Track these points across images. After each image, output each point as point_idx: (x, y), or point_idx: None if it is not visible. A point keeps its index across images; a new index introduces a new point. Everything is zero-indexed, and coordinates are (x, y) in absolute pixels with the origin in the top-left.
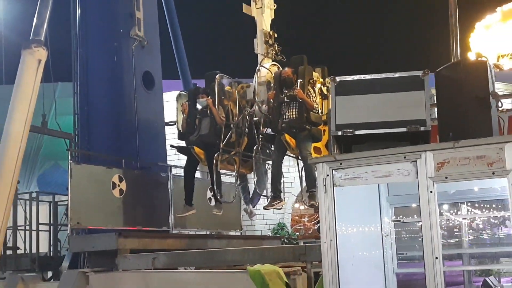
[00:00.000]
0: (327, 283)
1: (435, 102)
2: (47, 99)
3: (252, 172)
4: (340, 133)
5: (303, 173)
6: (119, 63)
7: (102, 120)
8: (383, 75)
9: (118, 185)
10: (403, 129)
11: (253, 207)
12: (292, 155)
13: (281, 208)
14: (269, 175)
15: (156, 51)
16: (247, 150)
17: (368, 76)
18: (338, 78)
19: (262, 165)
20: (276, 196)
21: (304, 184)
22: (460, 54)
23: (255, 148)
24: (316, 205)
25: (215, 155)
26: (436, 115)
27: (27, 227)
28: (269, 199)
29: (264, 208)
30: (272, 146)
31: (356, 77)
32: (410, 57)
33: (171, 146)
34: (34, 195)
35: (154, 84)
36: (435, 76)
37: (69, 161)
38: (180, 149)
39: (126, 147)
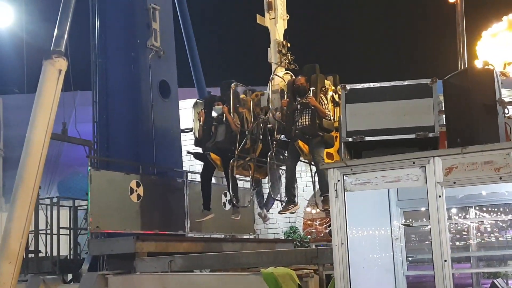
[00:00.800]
0: (339, 285)
1: (443, 109)
2: (68, 107)
3: (267, 177)
4: (350, 139)
5: (316, 178)
6: (136, 72)
7: (120, 127)
8: (392, 83)
9: (136, 190)
10: (412, 135)
11: (267, 211)
12: (305, 160)
13: (294, 213)
14: (283, 180)
15: (172, 60)
16: (261, 156)
17: (377, 84)
18: (348, 86)
19: (276, 171)
20: (291, 200)
21: (317, 188)
22: (467, 62)
23: (269, 154)
24: (329, 209)
25: (231, 161)
26: (444, 122)
27: (48, 231)
28: (283, 204)
29: (280, 212)
30: (286, 152)
31: (366, 85)
32: (419, 65)
33: (188, 152)
34: (55, 200)
35: (170, 92)
36: (443, 84)
37: (89, 167)
38: (196, 156)
39: (143, 153)
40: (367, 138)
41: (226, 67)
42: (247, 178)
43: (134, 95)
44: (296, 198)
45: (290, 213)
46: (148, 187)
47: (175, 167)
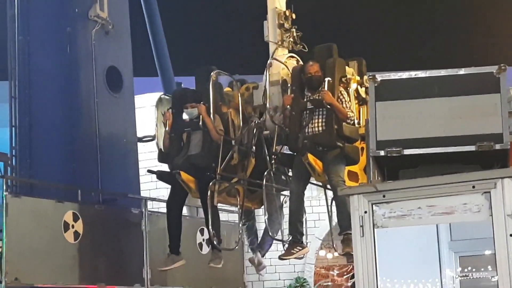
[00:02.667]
0: None
1: None
2: None
3: (262, 207)
4: (382, 152)
5: (334, 208)
6: (73, 55)
7: (50, 135)
8: (442, 72)
9: (73, 226)
10: (471, 148)
11: (262, 256)
12: (317, 183)
13: (302, 258)
14: (286, 211)
15: (125, 39)
16: (254, 177)
17: (421, 74)
18: (379, 76)
19: (276, 198)
20: (296, 240)
21: (335, 223)
22: None
23: (266, 173)
24: (352, 253)
25: (211, 183)
26: None
27: None
28: (285, 246)
29: (280, 258)
30: (290, 170)
31: (405, 75)
32: (478, 48)
33: (148, 171)
34: None
35: (123, 84)
36: None
37: (4, 193)
38: (160, 176)
39: (83, 172)
40: (407, 151)
41: (204, 48)
42: (234, 208)
43: (70, 88)
44: (304, 237)
45: (295, 258)
46: (90, 221)
47: (129, 191)
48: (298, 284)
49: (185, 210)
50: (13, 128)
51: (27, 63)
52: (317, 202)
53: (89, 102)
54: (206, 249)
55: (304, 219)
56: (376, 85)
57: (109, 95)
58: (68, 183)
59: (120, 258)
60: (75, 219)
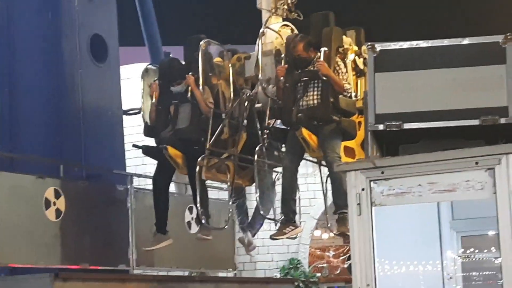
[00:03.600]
0: None
1: None
2: None
3: (253, 185)
4: (381, 127)
5: (329, 186)
6: (55, 22)
7: (31, 107)
8: (445, 42)
9: (54, 203)
10: (475, 122)
11: (253, 235)
12: (312, 158)
13: (295, 238)
14: (278, 188)
15: (111, 5)
16: (245, 152)
17: (423, 44)
18: (378, 46)
19: (268, 174)
20: (289, 219)
21: (330, 202)
22: None
23: (257, 148)
24: (348, 233)
25: (199, 159)
26: None
27: None
28: (278, 225)
29: (272, 237)
30: (283, 145)
31: (406, 45)
32: (483, 16)
33: (134, 146)
34: None
35: (108, 53)
36: None
37: None
38: (147, 151)
39: (65, 146)
40: (406, 126)
41: (193, 16)
42: (224, 185)
43: (51, 58)
44: (297, 217)
45: (288, 238)
46: (73, 198)
47: (114, 167)
48: (292, 266)
49: (172, 187)
50: None
51: (6, 30)
52: (312, 179)
53: (72, 73)
54: (195, 228)
55: (297, 197)
56: (375, 55)
57: (94, 65)
58: (49, 157)
59: (104, 237)
60: (57, 195)
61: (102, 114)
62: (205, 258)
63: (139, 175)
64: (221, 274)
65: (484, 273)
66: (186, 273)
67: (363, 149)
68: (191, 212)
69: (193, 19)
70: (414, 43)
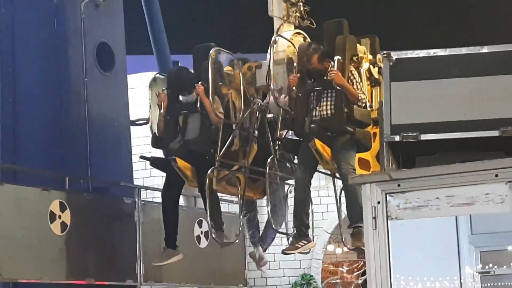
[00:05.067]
0: None
1: None
2: None
3: (265, 197)
4: (397, 138)
5: (343, 199)
6: (61, 30)
7: (36, 117)
8: (463, 50)
9: (59, 217)
10: (495, 133)
11: (264, 250)
12: (325, 171)
13: (308, 252)
14: (290, 201)
15: (117, 13)
16: (257, 164)
17: (440, 52)
18: (394, 55)
19: (280, 187)
20: (302, 234)
21: (344, 215)
22: None
23: (269, 160)
24: (363, 248)
25: (209, 171)
26: None
27: None
28: (290, 239)
29: (284, 252)
30: (296, 157)
31: (422, 53)
32: (503, 24)
33: (141, 157)
34: None
35: (115, 62)
36: None
37: None
38: (154, 162)
39: (71, 158)
40: (423, 137)
41: (203, 24)
42: (235, 199)
43: (57, 67)
44: (310, 231)
45: (301, 253)
46: (79, 211)
47: (121, 179)
48: (304, 281)
49: (181, 200)
50: None
51: (10, 39)
52: (325, 192)
53: (78, 82)
54: (204, 243)
55: (310, 211)
56: (391, 64)
57: (100, 74)
58: (55, 169)
59: (111, 251)
60: (62, 209)
61: (108, 124)
62: (215, 273)
63: (147, 188)
64: None
65: None
66: None
67: (378, 161)
68: (200, 226)
69: (203, 26)
70: (431, 52)
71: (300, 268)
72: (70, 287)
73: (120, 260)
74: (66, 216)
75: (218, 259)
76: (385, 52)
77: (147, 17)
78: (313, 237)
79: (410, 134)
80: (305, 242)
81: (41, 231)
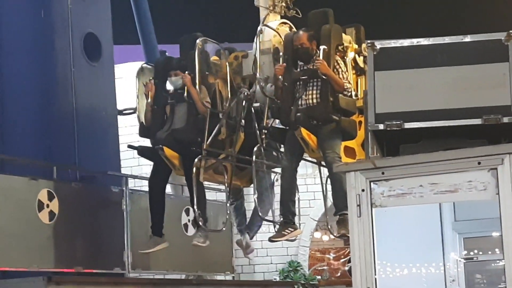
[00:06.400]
0: None
1: None
2: None
3: (252, 186)
4: (382, 126)
5: (329, 187)
6: (48, 20)
7: (23, 107)
8: (446, 39)
9: (47, 205)
10: (477, 121)
11: (251, 238)
12: (311, 159)
13: (294, 240)
14: (277, 189)
15: (104, 4)
16: (243, 153)
17: (424, 41)
18: (378, 44)
19: (267, 175)
20: (288, 221)
21: (330, 203)
22: None
23: (255, 149)
24: (349, 235)
25: (196, 159)
26: None
27: None
28: (277, 226)
29: (271, 240)
30: (282, 146)
31: (406, 42)
32: (487, 14)
33: (129, 146)
34: None
35: (101, 52)
36: None
37: None
38: (142, 151)
39: (58, 148)
40: (407, 125)
41: (189, 14)
42: (222, 187)
43: (44, 57)
44: (296, 218)
45: (288, 240)
46: (67, 200)
47: (108, 168)
48: (291, 268)
49: (169, 189)
50: None
51: None
52: (312, 180)
53: (65, 72)
54: (191, 231)
55: (296, 198)
56: (375, 53)
57: (87, 64)
58: (42, 159)
59: (99, 240)
60: (50, 198)
61: (96, 114)
62: (202, 261)
63: (135, 177)
64: (219, 278)
65: (488, 275)
66: (183, 277)
67: (363, 149)
68: (187, 214)
69: (190, 16)
70: (414, 41)
71: (287, 255)
72: (58, 276)
73: (108, 249)
74: (54, 205)
75: (205, 247)
76: (369, 41)
77: (134, 7)
78: (300, 225)
79: (394, 122)
80: (292, 230)
81: (29, 220)
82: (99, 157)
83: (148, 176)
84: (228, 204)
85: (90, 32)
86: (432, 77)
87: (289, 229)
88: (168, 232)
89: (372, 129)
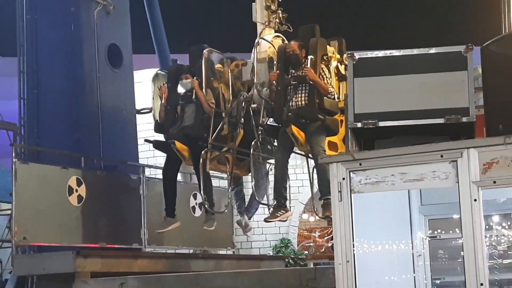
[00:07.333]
0: None
1: (481, 85)
2: None
3: (250, 174)
4: (359, 124)
5: (315, 176)
6: (77, 33)
7: (56, 106)
8: (414, 51)
9: (76, 190)
10: (440, 120)
11: (249, 218)
12: (300, 152)
13: (286, 220)
14: (271, 177)
15: (125, 18)
16: (243, 146)
17: (396, 52)
18: (357, 55)
19: (262, 165)
20: (281, 205)
21: (316, 189)
22: None
23: (253, 143)
24: (331, 216)
25: (203, 152)
26: (483, 102)
27: None
28: (271, 209)
29: (265, 220)
30: (275, 141)
31: (381, 54)
32: (449, 30)
33: (146, 140)
34: None
35: (122, 60)
36: (481, 53)
37: (14, 159)
38: (157, 145)
39: (86, 141)
40: (382, 123)
41: (197, 28)
42: (224, 175)
43: (73, 64)
44: (288, 202)
45: (280, 221)
46: (93, 186)
47: (128, 159)
48: (283, 245)
49: (179, 177)
50: (22, 100)
51: (34, 40)
52: (300, 170)
53: (91, 77)
54: (198, 212)
55: (288, 185)
56: (354, 62)
57: (110, 70)
58: (72, 151)
59: (119, 219)
60: (79, 184)
61: (117, 113)
62: (207, 238)
63: (150, 166)
64: (221, 252)
65: (449, 251)
66: (191, 251)
67: (344, 143)
68: (195, 198)
69: (198, 30)
70: (388, 52)
71: (280, 233)
72: (85, 250)
73: (128, 227)
74: (82, 190)
75: None
76: (349, 52)
77: (150, 22)
78: (290, 208)
79: (370, 121)
80: (284, 212)
81: (61, 202)
82: (120, 149)
83: (162, 166)
84: (229, 190)
85: (113, 43)
86: (402, 83)
87: (281, 211)
88: (178, 214)
89: (351, 127)
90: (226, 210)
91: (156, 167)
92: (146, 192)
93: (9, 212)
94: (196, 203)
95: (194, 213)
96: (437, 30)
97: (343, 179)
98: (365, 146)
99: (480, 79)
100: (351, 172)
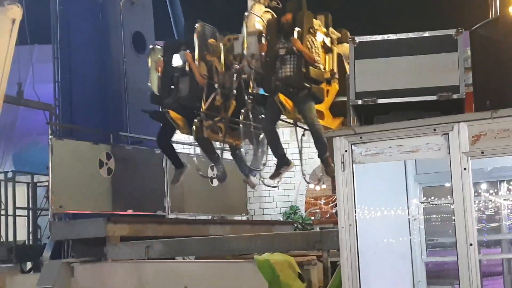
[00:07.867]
0: (346, 274)
1: (470, 65)
2: (23, 64)
3: (243, 143)
4: (360, 102)
5: (304, 144)
6: (105, 22)
7: (87, 88)
8: (410, 35)
9: (106, 163)
10: (433, 97)
11: (254, 176)
12: (288, 120)
13: (291, 168)
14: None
15: (148, 8)
16: (235, 116)
17: (392, 36)
18: (357, 39)
19: (254, 133)
20: (282, 162)
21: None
22: (500, 9)
23: (243, 110)
24: (332, 174)
25: (195, 120)
26: (471, 81)
27: (3, 212)
28: (274, 169)
29: (271, 178)
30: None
31: (379, 37)
32: (441, 14)
33: (143, 111)
34: (10, 175)
35: (146, 46)
36: (470, 36)
37: (50, 136)
38: (153, 115)
39: (114, 119)
40: (380, 101)
41: (214, 15)
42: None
43: (102, 50)
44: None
45: (286, 171)
46: (121, 159)
47: (152, 135)
48: (292, 211)
49: (198, 151)
50: (56, 83)
51: (66, 29)
52: (308, 144)
53: (118, 61)
54: (215, 182)
55: (280, 142)
56: (355, 45)
57: (135, 56)
58: (102, 128)
59: (145, 189)
60: (108, 157)
61: (142, 93)
62: (224, 205)
63: (172, 142)
64: (237, 218)
65: (441, 215)
66: (209, 217)
67: (330, 112)
68: (212, 170)
69: (214, 16)
70: (385, 36)
71: (289, 201)
72: (115, 217)
73: (152, 196)
74: (111, 163)
75: (226, 195)
76: (350, 36)
77: (170, 12)
78: (291, 161)
79: (370, 99)
80: (286, 166)
81: (93, 174)
82: (145, 126)
83: (183, 141)
84: (230, 156)
85: (137, 31)
86: (399, 63)
87: (284, 167)
88: (198, 184)
89: (352, 104)
90: (219, 173)
91: (177, 142)
92: (168, 165)
93: (46, 183)
94: (213, 174)
95: (212, 184)
96: (430, 16)
97: (346, 151)
98: (365, 121)
99: (469, 60)
100: (352, 145)
